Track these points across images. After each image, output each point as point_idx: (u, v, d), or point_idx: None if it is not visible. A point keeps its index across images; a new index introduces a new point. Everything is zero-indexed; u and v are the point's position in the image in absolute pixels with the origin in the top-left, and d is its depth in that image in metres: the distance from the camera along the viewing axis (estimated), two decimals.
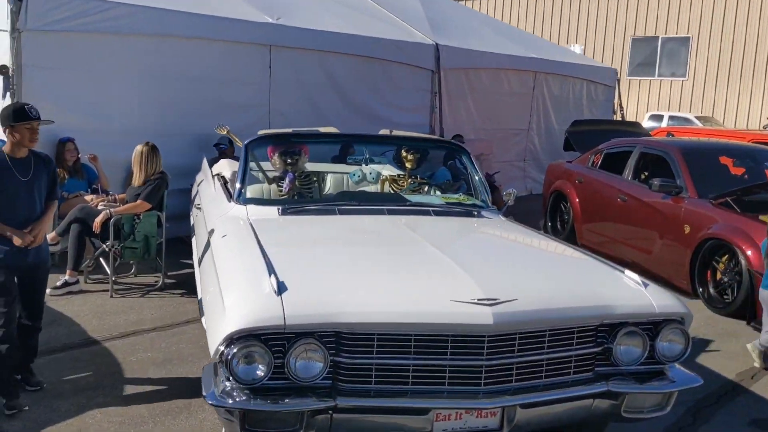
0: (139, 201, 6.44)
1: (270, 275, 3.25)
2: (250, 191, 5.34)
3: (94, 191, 7.37)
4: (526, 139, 13.49)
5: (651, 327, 3.50)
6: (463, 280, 3.35)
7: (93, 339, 5.38)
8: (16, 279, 4.24)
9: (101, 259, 6.79)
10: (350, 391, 3.14)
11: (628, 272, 3.79)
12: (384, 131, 6.06)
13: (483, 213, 5.00)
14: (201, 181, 6.54)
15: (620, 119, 15.66)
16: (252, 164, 5.44)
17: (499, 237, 4.64)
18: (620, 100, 15.68)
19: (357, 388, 3.15)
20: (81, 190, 7.42)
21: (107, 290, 6.44)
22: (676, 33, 25.54)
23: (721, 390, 4.95)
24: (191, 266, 5.71)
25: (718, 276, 6.73)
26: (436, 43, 11.29)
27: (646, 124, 21.21)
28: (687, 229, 7.01)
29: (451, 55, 11.46)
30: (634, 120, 18.44)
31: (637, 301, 3.52)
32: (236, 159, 6.27)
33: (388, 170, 5.91)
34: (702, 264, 6.85)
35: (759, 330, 5.58)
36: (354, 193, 5.34)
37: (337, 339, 3.12)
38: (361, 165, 5.55)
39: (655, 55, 26.12)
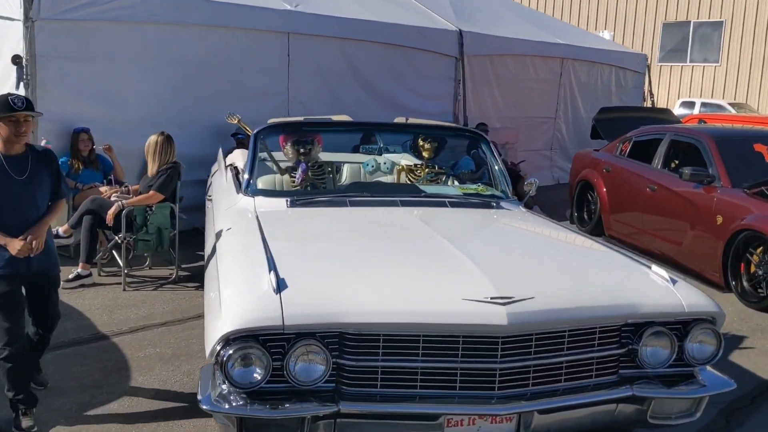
0: (151, 192, 6.30)
1: (270, 271, 3.06)
2: (262, 182, 5.17)
3: (110, 182, 7.25)
4: (552, 128, 13.19)
5: (679, 327, 3.26)
6: (476, 277, 3.13)
7: (102, 334, 5.25)
8: (24, 290, 3.85)
9: (114, 251, 6.67)
10: (354, 396, 2.94)
11: (655, 267, 3.55)
12: (400, 119, 5.85)
13: (502, 204, 4.77)
14: (215, 172, 6.38)
15: (650, 106, 15.26)
16: (264, 154, 5.27)
17: (517, 230, 4.40)
18: (650, 87, 15.30)
19: (362, 392, 2.95)
20: (96, 181, 7.31)
21: (120, 283, 6.32)
22: (709, 17, 24.87)
23: (755, 390, 4.67)
24: None
25: (752, 269, 6.44)
26: (460, 30, 11.04)
27: (678, 111, 20.70)
28: (719, 220, 6.72)
29: (475, 41, 11.21)
30: (664, 107, 17.97)
31: (664, 299, 3.28)
32: None
33: (407, 160, 5.71)
34: (735, 256, 6.56)
35: None
36: (366, 184, 5.13)
37: (341, 340, 2.93)
38: (374, 155, 5.33)
39: (686, 40, 25.48)
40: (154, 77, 8.00)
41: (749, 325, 5.96)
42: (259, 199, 4.48)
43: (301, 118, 5.51)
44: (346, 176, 5.66)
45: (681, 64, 25.76)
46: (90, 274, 6.37)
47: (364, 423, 2.96)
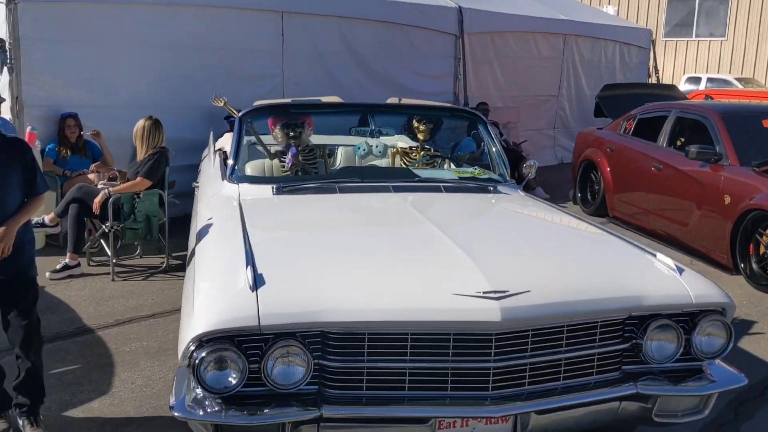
0: (138, 179, 6.09)
1: (247, 266, 2.86)
2: (250, 168, 4.98)
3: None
4: (555, 106, 12.92)
5: (687, 319, 3.06)
6: (467, 270, 2.93)
7: (87, 327, 5.07)
8: None
9: (103, 240, 6.48)
10: (338, 399, 2.74)
11: (660, 256, 3.34)
12: (392, 99, 5.61)
13: (500, 188, 4.55)
14: (205, 157, 6.17)
15: (655, 82, 14.96)
16: (252, 138, 5.06)
17: (514, 216, 4.19)
18: (655, 63, 14.97)
19: (346, 395, 2.76)
20: (84, 167, 7.12)
21: (109, 273, 6.14)
22: None
23: (766, 380, 4.45)
24: None
25: (762, 250, 6.21)
26: (459, 6, 10.77)
27: (683, 87, 20.38)
28: (727, 200, 6.49)
29: (475, 18, 10.94)
30: (670, 83, 17.65)
31: (670, 290, 3.07)
32: None
33: (403, 142, 5.49)
34: (744, 237, 6.34)
35: None
36: (358, 169, 4.92)
37: (323, 340, 2.73)
38: (366, 137, 5.10)
39: (692, 14, 25.05)
40: (143, 59, 7.79)
41: (759, 309, 5.74)
42: (244, 186, 4.27)
43: (288, 100, 5.26)
44: (339, 160, 5.45)
45: (687, 39, 25.34)
46: (78, 264, 6.18)
47: (349, 427, 2.77)
